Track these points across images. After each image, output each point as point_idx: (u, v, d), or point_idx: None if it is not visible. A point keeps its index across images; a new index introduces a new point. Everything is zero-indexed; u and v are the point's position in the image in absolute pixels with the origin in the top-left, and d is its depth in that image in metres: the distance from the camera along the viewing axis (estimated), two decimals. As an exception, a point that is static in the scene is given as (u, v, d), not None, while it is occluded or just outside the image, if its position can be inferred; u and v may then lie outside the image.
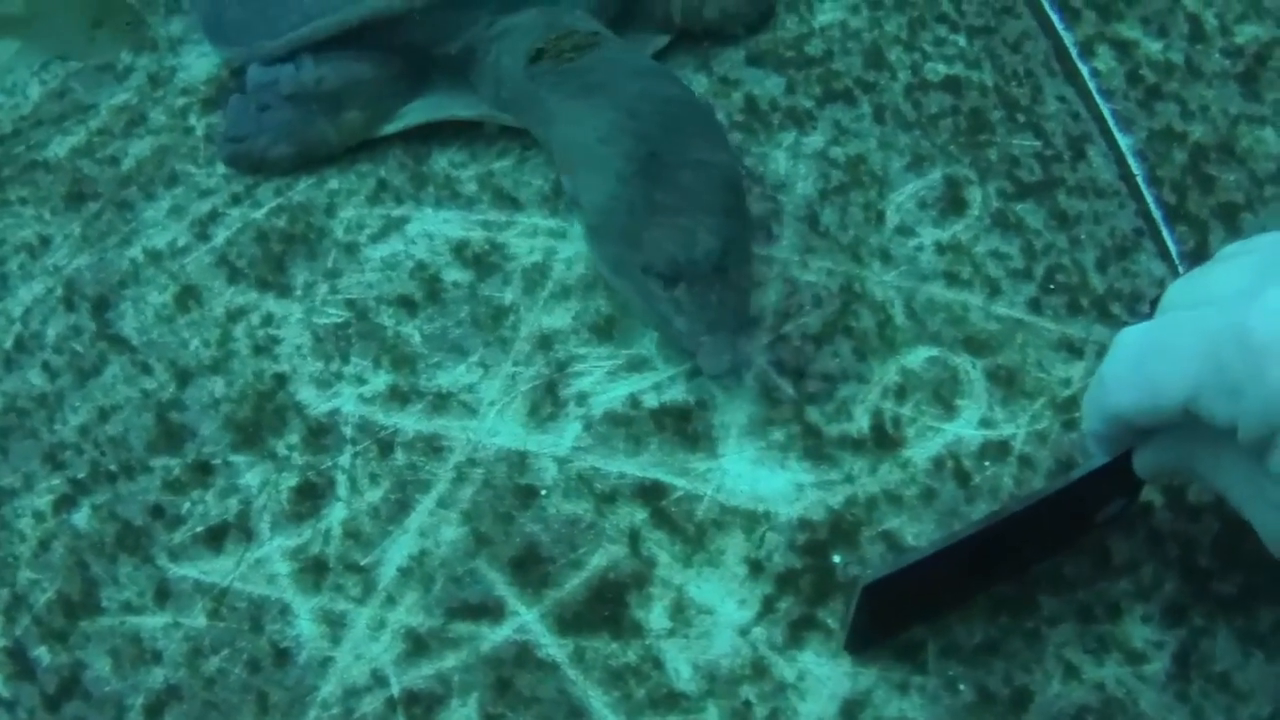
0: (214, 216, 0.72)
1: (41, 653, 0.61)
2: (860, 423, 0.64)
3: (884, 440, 0.63)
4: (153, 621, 0.61)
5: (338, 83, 0.72)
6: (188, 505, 0.64)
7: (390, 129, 0.74)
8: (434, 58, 0.73)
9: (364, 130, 0.74)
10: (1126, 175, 0.70)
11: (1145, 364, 0.47)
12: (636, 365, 0.66)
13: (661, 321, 0.63)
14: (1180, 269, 0.67)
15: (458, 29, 0.72)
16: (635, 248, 0.62)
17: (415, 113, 0.74)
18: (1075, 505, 0.56)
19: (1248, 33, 0.75)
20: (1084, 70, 0.72)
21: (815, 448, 0.63)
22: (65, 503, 0.65)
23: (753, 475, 0.62)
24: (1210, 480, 0.49)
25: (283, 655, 0.60)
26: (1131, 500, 0.59)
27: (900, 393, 0.64)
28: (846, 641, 0.58)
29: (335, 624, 0.60)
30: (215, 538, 0.63)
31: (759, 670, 0.58)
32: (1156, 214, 0.68)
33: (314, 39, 0.72)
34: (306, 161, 0.74)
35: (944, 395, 0.64)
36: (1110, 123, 0.70)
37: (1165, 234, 0.68)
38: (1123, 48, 0.73)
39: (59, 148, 0.75)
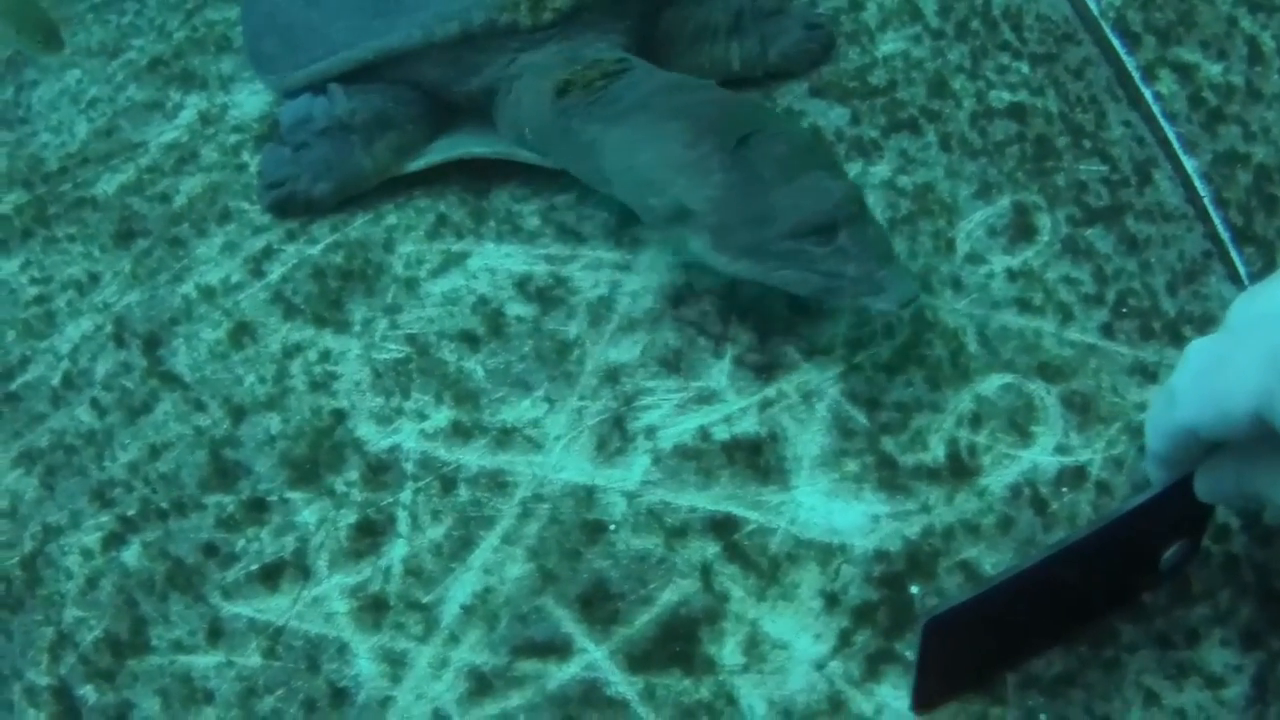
0: (268, 253, 0.71)
1: (88, 691, 0.59)
2: (935, 452, 0.62)
3: (960, 469, 0.61)
4: (204, 661, 0.59)
5: (369, 114, 0.72)
6: (242, 543, 0.62)
7: (414, 166, 0.74)
8: (455, 95, 0.73)
9: (394, 163, 0.74)
10: (1193, 198, 0.69)
11: (1213, 375, 0.45)
12: (706, 398, 0.65)
13: (827, 280, 0.62)
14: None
15: (478, 67, 0.72)
16: (771, 222, 0.62)
17: (438, 150, 0.74)
18: (1138, 540, 0.54)
19: (1308, 54, 0.74)
20: (1147, 94, 0.71)
21: (890, 478, 0.61)
22: (114, 540, 0.63)
23: (827, 507, 0.61)
24: (1275, 498, 0.48)
25: (340, 695, 0.58)
26: (1195, 544, 0.57)
27: (975, 421, 0.63)
28: (913, 698, 0.55)
29: (396, 663, 0.58)
30: (271, 576, 0.61)
31: (836, 705, 0.55)
32: (1225, 236, 0.67)
33: (338, 71, 0.73)
34: (346, 197, 0.73)
35: (1019, 422, 0.62)
36: (1176, 146, 0.70)
37: (1234, 255, 0.67)
38: (1184, 71, 0.73)
39: (108, 185, 0.74)
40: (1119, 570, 0.56)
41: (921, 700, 0.56)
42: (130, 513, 0.64)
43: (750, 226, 0.63)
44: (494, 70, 0.72)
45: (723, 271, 0.64)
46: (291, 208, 0.73)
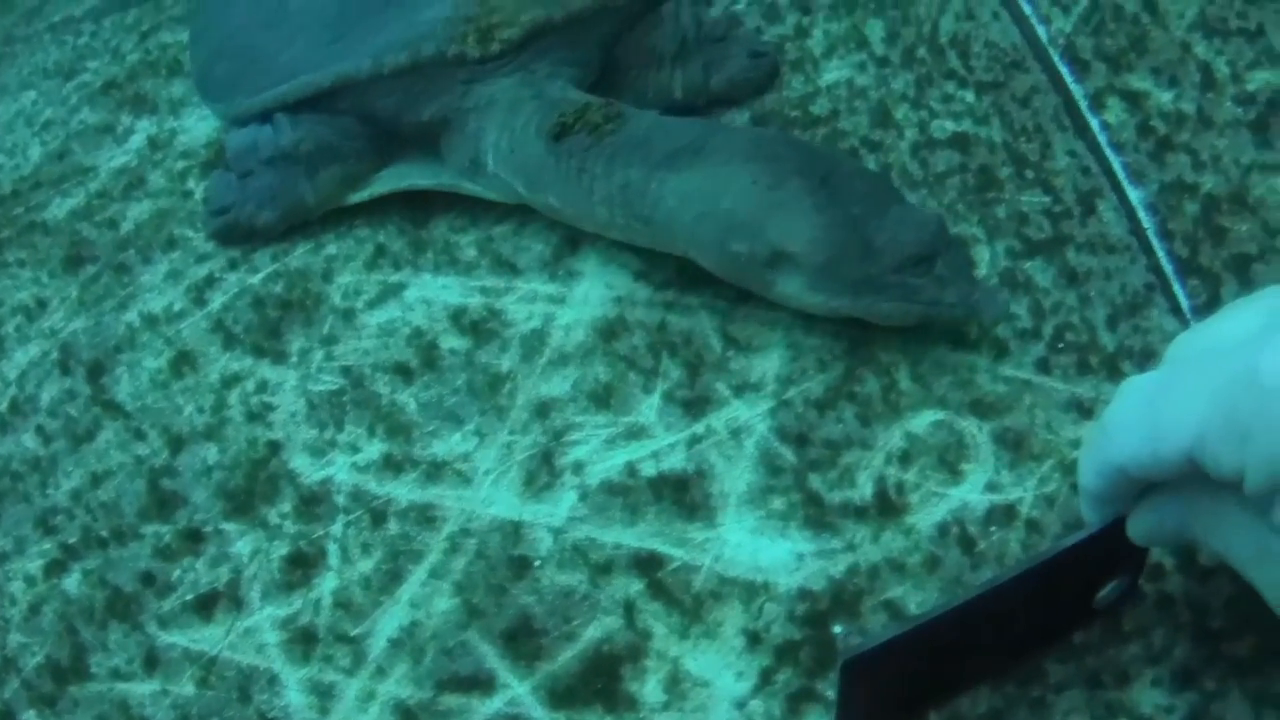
0: (211, 282, 0.72)
1: (30, 716, 0.60)
2: (863, 490, 0.62)
3: (887, 507, 0.61)
4: (141, 689, 0.60)
5: (314, 145, 0.73)
6: (178, 573, 0.63)
7: (357, 197, 0.74)
8: (405, 126, 0.73)
9: (337, 195, 0.74)
10: (1137, 230, 0.68)
11: (1150, 410, 0.45)
12: (635, 433, 0.65)
13: (931, 306, 0.64)
14: (1192, 323, 0.65)
15: (429, 97, 0.72)
16: (875, 256, 0.63)
17: (383, 182, 0.75)
18: (1072, 580, 0.53)
19: (1260, 79, 0.73)
20: (1094, 123, 0.70)
21: (817, 516, 0.61)
22: (57, 567, 0.64)
23: (752, 545, 0.61)
24: (1209, 541, 0.47)
25: (271, 728, 0.59)
26: (1133, 583, 0.56)
27: (905, 458, 0.62)
28: None
29: (324, 695, 0.59)
30: (205, 606, 0.62)
31: (764, 747, 0.56)
32: (1168, 268, 0.67)
33: (287, 99, 0.73)
34: (290, 226, 0.74)
35: (949, 460, 0.62)
36: (1121, 176, 0.69)
37: (1177, 288, 0.66)
38: (1133, 99, 0.72)
39: (58, 210, 0.75)
40: (1053, 609, 0.55)
41: None
42: (72, 540, 0.65)
43: (852, 263, 0.64)
44: (446, 100, 0.72)
45: (816, 311, 0.65)
46: (235, 236, 0.73)
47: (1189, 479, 0.45)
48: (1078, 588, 0.55)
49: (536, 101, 0.70)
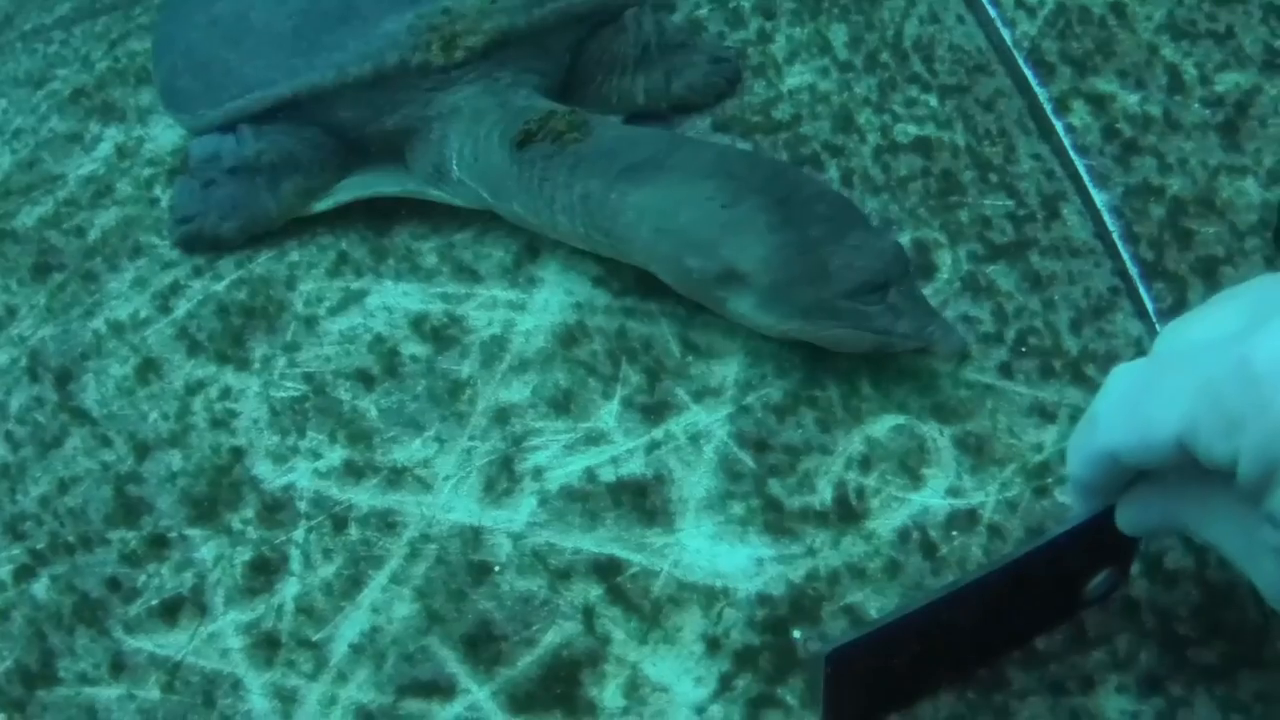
0: (176, 289, 0.72)
1: (0, 720, 0.61)
2: (823, 495, 0.62)
3: (847, 512, 0.61)
4: (107, 693, 0.61)
5: (276, 156, 0.73)
6: (144, 578, 0.63)
7: (320, 207, 0.74)
8: (369, 135, 0.74)
9: (299, 205, 0.74)
10: (1102, 233, 0.68)
11: (1138, 399, 0.45)
12: (594, 439, 0.65)
13: (884, 335, 0.63)
14: (1158, 327, 0.65)
15: (393, 106, 0.73)
16: (827, 281, 0.62)
17: (346, 189, 0.75)
18: (1060, 571, 0.53)
19: (1229, 81, 0.73)
20: (1058, 126, 0.70)
21: (776, 521, 0.61)
22: (25, 573, 0.64)
23: (711, 550, 0.61)
24: (1200, 532, 0.47)
25: (233, 732, 0.59)
26: (1122, 573, 0.56)
27: (865, 463, 0.63)
28: None
29: (287, 700, 0.59)
30: (170, 611, 0.62)
31: (721, 753, 0.56)
32: (1133, 271, 0.67)
33: (251, 111, 0.73)
34: (252, 236, 0.74)
35: (910, 465, 0.62)
36: (1085, 179, 0.69)
37: (1142, 291, 0.66)
38: (1099, 102, 0.72)
39: (27, 218, 0.75)
40: (1044, 601, 0.55)
41: None
42: (40, 546, 0.65)
43: (804, 286, 0.63)
44: (411, 109, 0.72)
45: (768, 331, 0.65)
46: (199, 244, 0.74)
47: (1179, 468, 0.45)
48: (1068, 579, 0.55)
49: (501, 110, 0.70)
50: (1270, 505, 0.42)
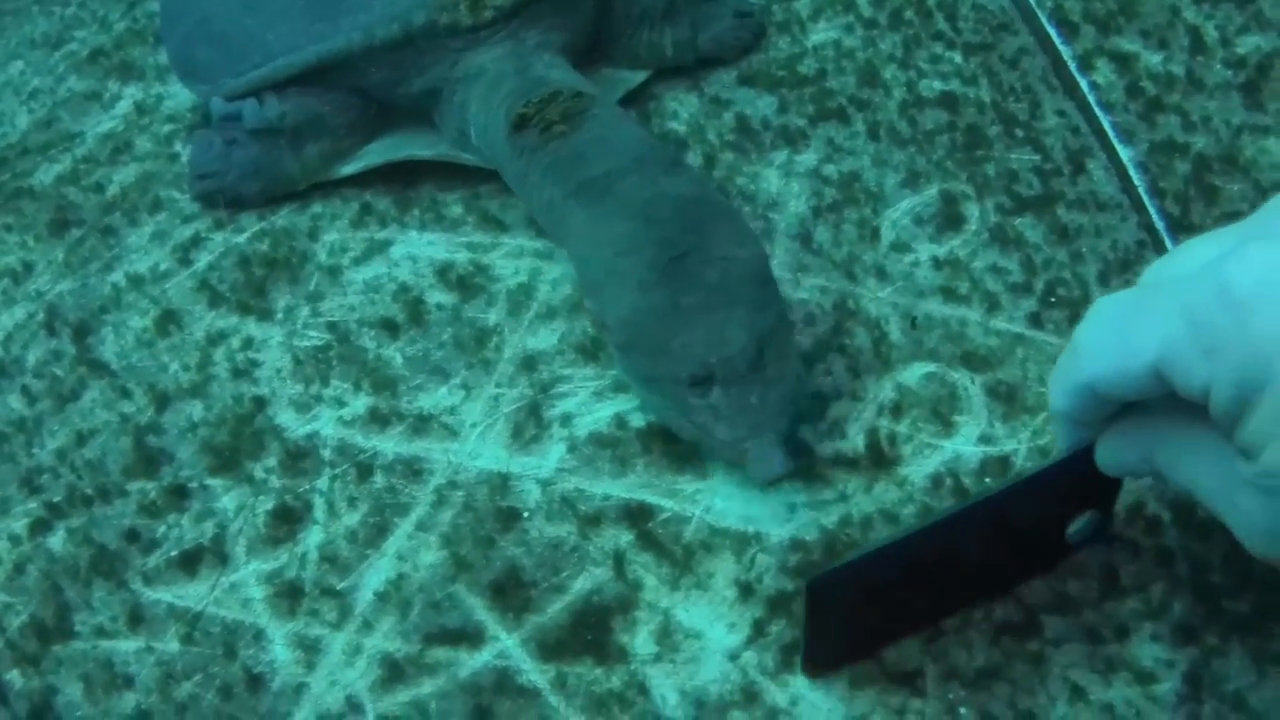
0: (196, 241, 0.71)
1: (14, 676, 0.59)
2: (855, 441, 0.61)
3: (880, 459, 0.61)
4: (125, 646, 0.59)
5: (300, 118, 0.72)
6: (163, 529, 0.62)
7: (347, 170, 0.73)
8: (395, 97, 0.73)
9: (324, 169, 0.73)
10: (1128, 188, 0.68)
11: (1117, 326, 0.44)
12: (623, 386, 0.64)
13: (703, 434, 0.59)
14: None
15: (420, 69, 0.71)
16: (664, 358, 0.59)
17: (374, 153, 0.73)
18: (1043, 511, 0.53)
19: (1249, 43, 0.73)
20: (1083, 83, 0.70)
21: (808, 467, 0.61)
22: (41, 526, 0.63)
23: (743, 496, 0.60)
24: (1175, 474, 0.46)
25: (256, 681, 0.58)
26: (1105, 517, 0.56)
27: (896, 410, 0.62)
28: (804, 658, 0.55)
29: (310, 649, 0.58)
30: (190, 562, 0.61)
31: (749, 696, 0.55)
32: (1159, 225, 0.66)
33: (275, 79, 0.72)
34: (273, 197, 0.73)
35: (942, 412, 0.62)
36: (1110, 135, 0.69)
37: (1169, 245, 0.66)
38: (1122, 61, 0.72)
39: (45, 175, 0.74)
40: (1024, 541, 0.55)
41: (811, 662, 0.55)
42: (57, 499, 0.64)
43: (646, 357, 0.60)
44: (437, 71, 0.71)
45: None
46: (217, 201, 0.73)
47: (1158, 407, 0.45)
48: (1051, 519, 0.54)
49: (518, 78, 0.69)
50: (1244, 434, 0.41)
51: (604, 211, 0.63)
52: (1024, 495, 0.51)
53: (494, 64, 0.70)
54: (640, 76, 0.74)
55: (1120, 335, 0.44)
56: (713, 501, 0.60)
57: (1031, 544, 0.55)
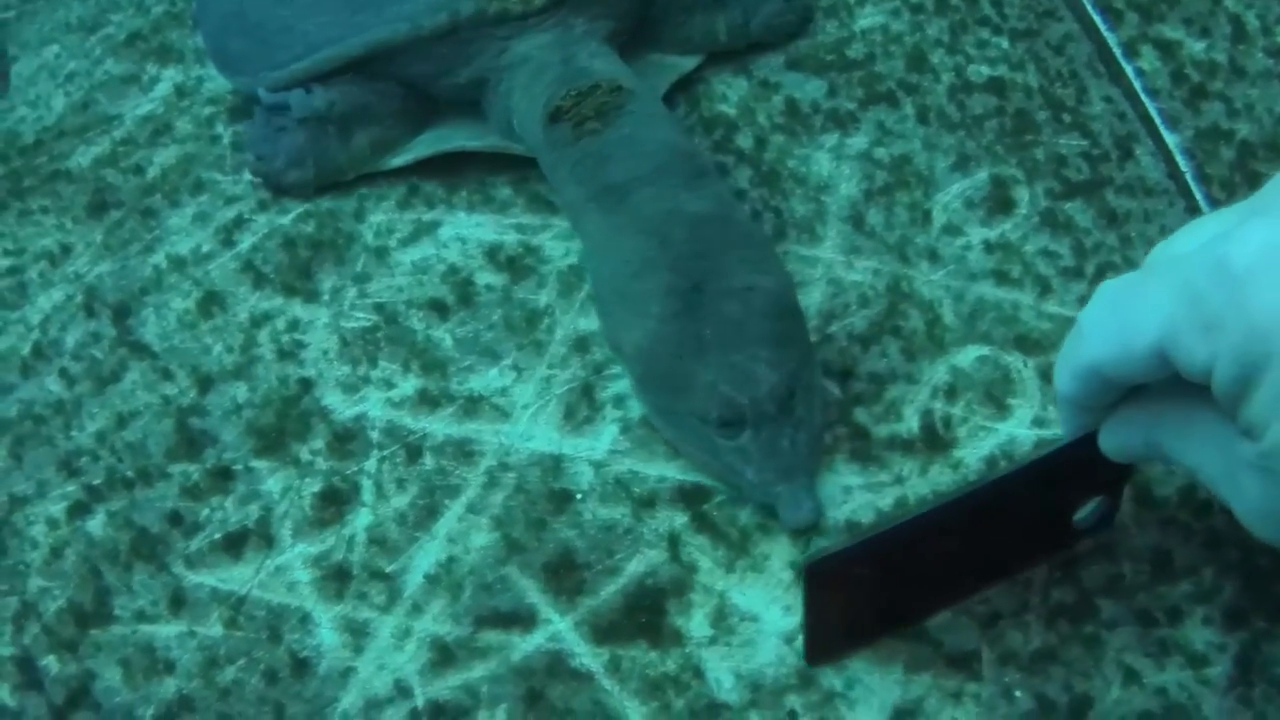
0: (240, 223, 0.70)
1: (50, 662, 0.58)
2: (910, 423, 0.61)
3: (935, 441, 0.60)
4: (166, 630, 0.59)
5: (348, 107, 0.70)
6: (206, 512, 0.61)
7: (398, 161, 0.72)
8: (441, 89, 0.71)
9: (373, 159, 0.72)
10: (1175, 173, 0.68)
11: (1120, 307, 0.43)
12: (675, 366, 0.64)
13: (728, 473, 0.58)
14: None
15: (466, 59, 0.70)
16: (688, 395, 0.57)
17: (423, 145, 0.72)
18: (1048, 496, 0.52)
19: (1291, 33, 0.73)
20: (1129, 70, 0.70)
21: (863, 449, 0.60)
22: (79, 509, 0.62)
23: (798, 478, 0.60)
24: (1179, 458, 0.45)
25: (302, 665, 0.57)
26: (1114, 504, 0.55)
27: (951, 393, 0.62)
28: (805, 646, 0.54)
29: (358, 633, 0.57)
30: (234, 545, 0.60)
31: (805, 679, 0.54)
32: (1206, 210, 0.66)
33: (317, 72, 0.70)
34: (321, 186, 0.72)
35: (996, 395, 0.61)
36: (1157, 121, 0.69)
37: (1217, 231, 0.66)
38: (1166, 48, 0.72)
39: (82, 158, 0.74)
40: (1030, 526, 0.54)
41: (812, 649, 0.54)
42: (96, 482, 0.63)
43: (666, 390, 0.58)
44: (483, 61, 0.70)
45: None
46: (271, 185, 0.72)
47: (1161, 391, 0.44)
48: (1058, 505, 0.54)
49: (562, 67, 0.68)
50: (1247, 414, 0.40)
51: (618, 222, 0.61)
52: (1028, 481, 0.50)
53: (539, 52, 0.69)
54: (691, 63, 0.73)
55: (1122, 316, 0.43)
56: (768, 483, 0.60)
57: (1036, 530, 0.54)
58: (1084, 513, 0.55)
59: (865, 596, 0.53)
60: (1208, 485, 0.45)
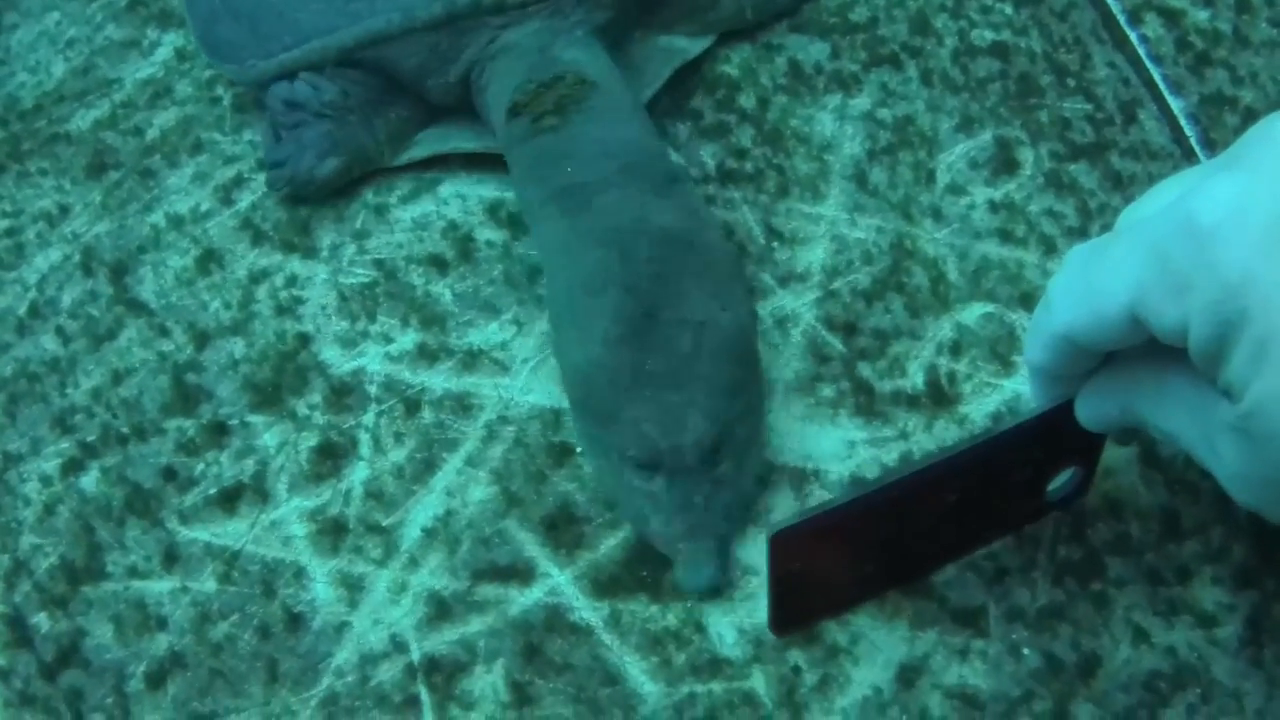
0: (239, 182, 0.70)
1: (41, 619, 0.58)
2: (915, 379, 0.60)
3: (940, 396, 0.60)
4: (159, 586, 0.58)
5: (365, 93, 0.67)
6: (201, 467, 0.61)
7: (403, 159, 0.69)
8: (431, 89, 0.67)
9: (395, 146, 0.69)
10: (1179, 137, 0.67)
11: (1088, 272, 0.42)
12: (676, 321, 0.63)
13: (636, 517, 0.55)
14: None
15: (458, 51, 0.66)
16: (612, 426, 0.54)
17: (425, 144, 0.69)
18: (1021, 468, 0.52)
19: (1296, 2, 0.73)
20: (1133, 36, 0.70)
21: (867, 404, 0.60)
22: (73, 466, 0.61)
23: (801, 432, 0.59)
24: (1157, 423, 0.44)
25: (296, 620, 0.56)
26: (1088, 475, 0.54)
27: (955, 349, 0.61)
28: (770, 619, 0.53)
29: (353, 587, 0.57)
30: (229, 500, 0.59)
31: (810, 635, 0.53)
32: (1214, 176, 0.66)
33: (308, 62, 0.67)
34: (358, 174, 0.68)
35: (1000, 352, 0.61)
36: (1161, 86, 0.68)
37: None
38: (1170, 16, 0.72)
39: (82, 121, 0.73)
40: (1002, 497, 0.53)
41: (776, 619, 0.53)
42: (90, 439, 0.62)
43: (594, 420, 0.55)
44: (472, 53, 0.66)
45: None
46: (296, 188, 0.67)
47: (1136, 357, 0.43)
48: (1030, 476, 0.53)
49: (539, 56, 0.65)
50: (1226, 374, 0.39)
51: (579, 227, 0.58)
52: (999, 450, 0.49)
53: (523, 40, 0.66)
54: (700, 46, 0.70)
55: (1091, 281, 0.42)
56: (770, 437, 0.59)
57: (1008, 500, 0.54)
58: (1057, 483, 0.54)
59: (832, 566, 0.52)
60: (1186, 448, 0.44)
